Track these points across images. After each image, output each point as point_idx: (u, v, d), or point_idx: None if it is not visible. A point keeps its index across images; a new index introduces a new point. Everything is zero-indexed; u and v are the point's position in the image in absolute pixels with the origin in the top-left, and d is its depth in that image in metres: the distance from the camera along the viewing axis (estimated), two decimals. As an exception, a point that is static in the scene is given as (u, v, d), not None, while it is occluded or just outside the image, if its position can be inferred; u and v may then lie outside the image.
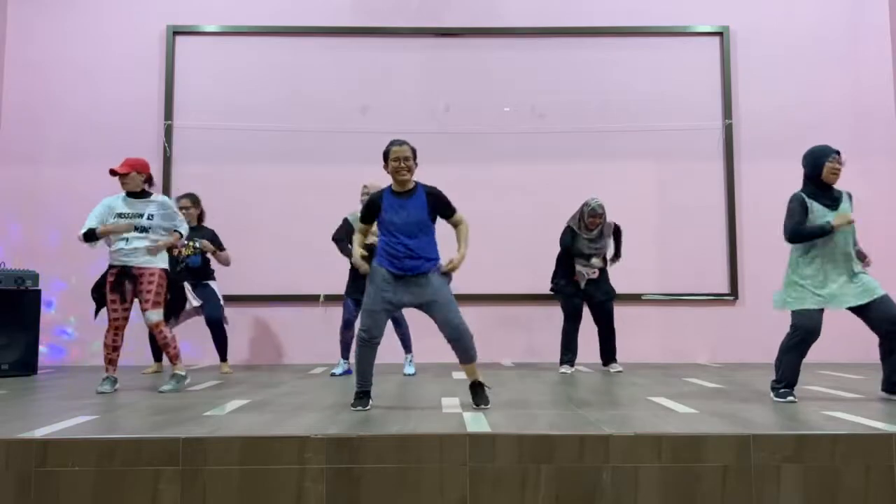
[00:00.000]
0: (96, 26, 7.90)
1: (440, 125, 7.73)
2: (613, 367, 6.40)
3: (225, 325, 6.46)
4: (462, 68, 7.92)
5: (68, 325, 7.57)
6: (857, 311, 4.35)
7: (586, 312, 6.51)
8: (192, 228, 6.06)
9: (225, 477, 3.06)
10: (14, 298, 6.31)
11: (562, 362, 6.39)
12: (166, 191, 7.61)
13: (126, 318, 5.05)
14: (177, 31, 7.88)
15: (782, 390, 4.32)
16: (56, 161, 7.75)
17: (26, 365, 6.28)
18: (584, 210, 6.44)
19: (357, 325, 6.07)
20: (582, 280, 6.40)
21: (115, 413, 3.96)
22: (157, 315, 5.01)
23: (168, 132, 7.76)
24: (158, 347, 6.46)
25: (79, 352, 7.54)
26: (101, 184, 7.65)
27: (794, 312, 4.36)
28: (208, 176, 7.52)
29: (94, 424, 3.57)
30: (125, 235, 4.99)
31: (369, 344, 4.07)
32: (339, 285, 7.05)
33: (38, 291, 6.50)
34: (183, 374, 5.12)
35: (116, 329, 5.00)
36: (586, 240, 6.41)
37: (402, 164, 4.08)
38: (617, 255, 6.55)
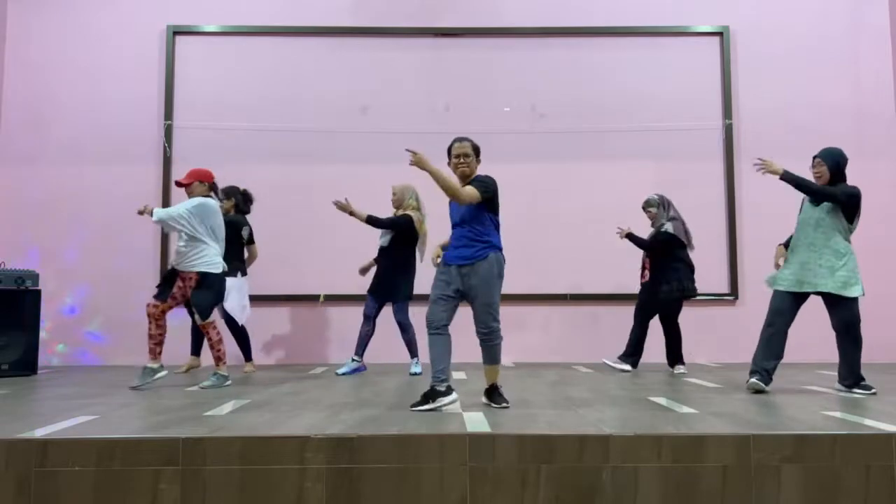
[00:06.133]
0: (96, 26, 7.90)
1: (440, 125, 7.72)
2: (677, 370, 6.31)
3: (241, 325, 6.43)
4: (462, 68, 7.92)
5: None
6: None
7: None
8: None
9: (225, 477, 3.06)
10: (14, 298, 6.31)
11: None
12: (166, 191, 7.63)
13: (163, 311, 5.21)
14: (177, 31, 7.88)
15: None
16: (56, 161, 7.75)
17: (26, 365, 6.28)
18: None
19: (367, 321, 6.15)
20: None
21: (115, 413, 3.96)
22: (200, 317, 5.23)
23: (168, 132, 7.76)
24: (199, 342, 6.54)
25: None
26: (101, 183, 7.70)
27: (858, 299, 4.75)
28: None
29: (94, 424, 3.57)
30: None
31: (429, 330, 4.07)
32: (340, 285, 7.08)
33: (39, 291, 6.49)
34: (226, 374, 5.28)
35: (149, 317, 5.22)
36: None
37: (462, 161, 4.14)
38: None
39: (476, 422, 3.52)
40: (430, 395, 3.98)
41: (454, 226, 4.17)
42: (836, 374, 4.92)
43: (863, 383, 4.70)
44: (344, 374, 6.11)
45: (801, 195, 4.94)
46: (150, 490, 3.03)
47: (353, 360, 6.18)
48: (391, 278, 6.11)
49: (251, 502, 3.05)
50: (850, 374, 4.74)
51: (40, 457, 3.06)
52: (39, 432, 3.29)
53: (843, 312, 4.68)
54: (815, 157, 4.92)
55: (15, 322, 6.26)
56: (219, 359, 5.27)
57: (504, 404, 4.06)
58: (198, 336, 6.47)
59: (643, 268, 6.51)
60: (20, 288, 6.34)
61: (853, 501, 3.08)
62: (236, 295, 6.21)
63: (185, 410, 4.01)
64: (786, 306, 4.75)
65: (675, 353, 6.38)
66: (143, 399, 4.59)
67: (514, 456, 3.11)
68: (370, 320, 6.17)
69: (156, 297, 5.25)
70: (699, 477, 3.08)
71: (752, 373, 4.76)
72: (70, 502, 3.02)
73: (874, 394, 4.61)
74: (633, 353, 6.48)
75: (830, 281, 4.66)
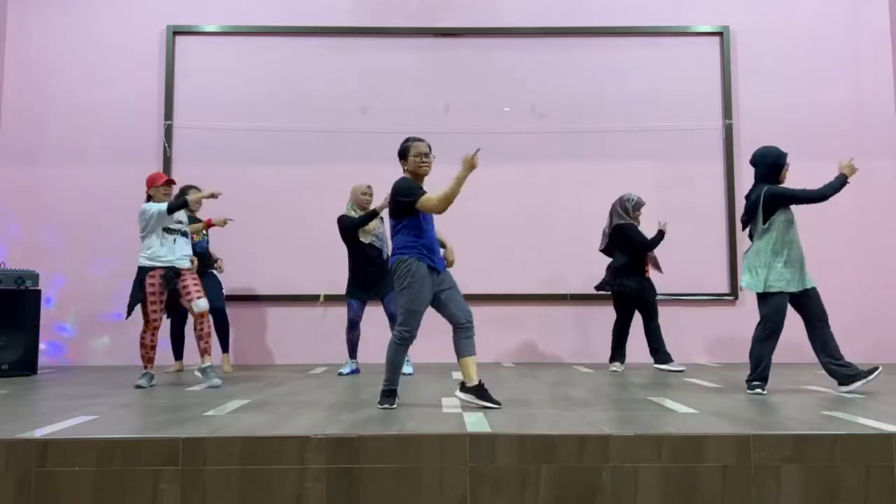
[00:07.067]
0: (96, 26, 7.90)
1: (440, 125, 7.72)
2: (672, 366, 6.28)
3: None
4: (462, 68, 7.92)
5: (67, 322, 7.58)
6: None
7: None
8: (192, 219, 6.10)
9: (225, 477, 3.06)
10: (14, 298, 6.31)
11: (612, 360, 6.54)
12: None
13: (162, 319, 5.30)
14: (177, 31, 7.88)
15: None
16: (56, 161, 7.75)
17: (26, 365, 6.28)
18: (627, 206, 6.50)
19: (351, 322, 6.16)
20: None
21: (115, 413, 3.96)
22: (205, 303, 5.28)
23: (168, 132, 7.75)
24: (180, 346, 6.66)
25: (78, 350, 7.55)
26: (100, 183, 7.70)
27: None
28: (208, 176, 7.48)
29: (94, 424, 3.57)
30: (174, 237, 5.28)
31: (408, 343, 4.11)
32: (340, 285, 7.05)
33: (38, 291, 6.50)
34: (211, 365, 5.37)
35: (155, 329, 5.24)
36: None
37: (425, 159, 4.15)
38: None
39: (476, 422, 3.52)
40: (392, 395, 4.20)
41: (427, 231, 4.10)
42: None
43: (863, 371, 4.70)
44: (345, 373, 6.15)
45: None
46: (150, 490, 3.04)
47: (350, 362, 6.25)
48: (385, 275, 6.10)
49: (251, 502, 3.05)
50: (844, 362, 4.71)
51: (40, 457, 3.06)
52: (39, 432, 3.29)
53: (818, 298, 4.74)
54: (787, 162, 4.86)
55: (15, 322, 6.27)
56: (206, 351, 5.31)
57: (498, 404, 4.04)
58: (179, 340, 6.65)
59: (644, 265, 6.50)
60: (20, 288, 6.34)
61: (853, 501, 3.08)
62: None
63: (185, 410, 4.01)
64: (786, 308, 4.75)
65: (663, 346, 6.30)
66: (143, 399, 4.59)
67: (514, 456, 3.11)
68: (357, 325, 6.19)
69: (167, 307, 5.32)
70: (699, 477, 3.09)
71: (757, 381, 4.70)
72: (70, 502, 3.03)
73: (881, 372, 4.68)
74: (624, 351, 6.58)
75: (809, 275, 4.80)
